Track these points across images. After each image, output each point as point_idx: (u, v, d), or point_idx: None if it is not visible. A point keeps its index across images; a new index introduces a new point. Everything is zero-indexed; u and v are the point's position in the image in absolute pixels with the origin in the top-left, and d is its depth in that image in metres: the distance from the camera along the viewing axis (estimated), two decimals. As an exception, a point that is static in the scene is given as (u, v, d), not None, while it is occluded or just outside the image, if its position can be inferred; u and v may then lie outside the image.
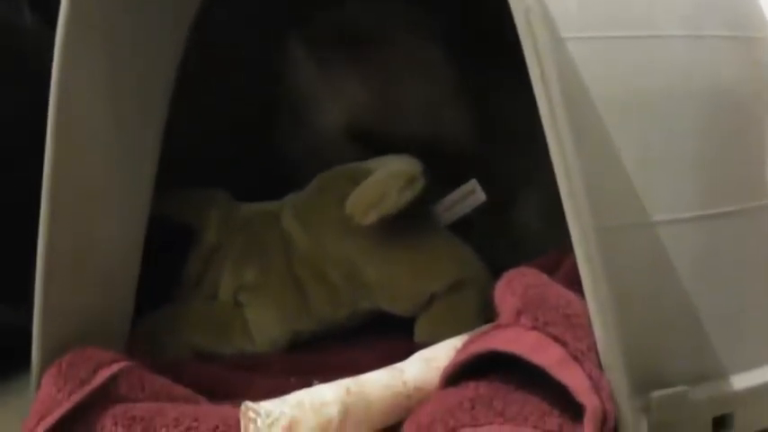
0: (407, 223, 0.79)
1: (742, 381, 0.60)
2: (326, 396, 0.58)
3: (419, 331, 0.79)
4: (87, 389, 0.60)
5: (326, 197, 0.82)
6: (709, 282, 0.60)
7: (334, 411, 0.58)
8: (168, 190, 0.76)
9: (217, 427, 0.58)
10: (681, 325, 0.59)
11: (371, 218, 0.77)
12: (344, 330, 0.82)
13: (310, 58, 0.89)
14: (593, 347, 0.54)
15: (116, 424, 0.58)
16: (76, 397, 0.59)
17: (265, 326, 0.80)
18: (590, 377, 0.53)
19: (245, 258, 0.82)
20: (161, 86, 0.75)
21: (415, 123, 0.87)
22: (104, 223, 0.69)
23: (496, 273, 0.65)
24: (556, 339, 0.54)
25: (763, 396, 0.61)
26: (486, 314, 0.74)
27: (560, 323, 0.55)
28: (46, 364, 0.63)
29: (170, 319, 0.79)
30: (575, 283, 0.56)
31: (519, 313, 0.56)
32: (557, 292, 0.58)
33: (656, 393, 0.55)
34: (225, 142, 0.88)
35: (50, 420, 0.58)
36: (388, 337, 0.79)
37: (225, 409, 0.60)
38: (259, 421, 0.56)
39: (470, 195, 0.83)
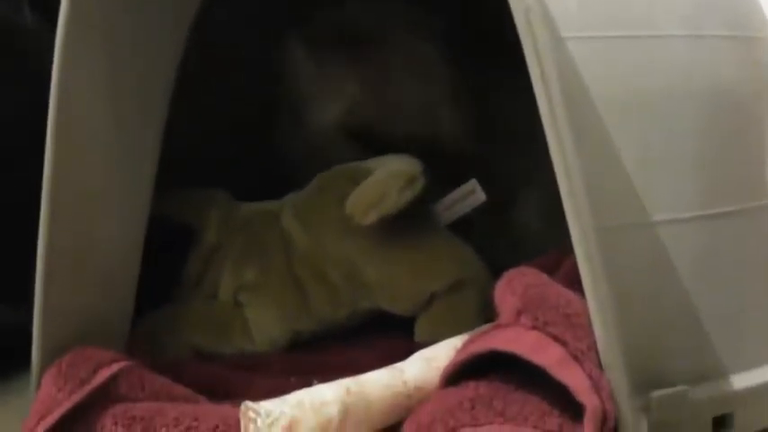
0: (407, 223, 0.79)
1: (742, 380, 0.60)
2: (326, 396, 0.58)
3: (419, 331, 0.79)
4: (87, 388, 0.60)
5: (326, 197, 0.82)
6: (710, 282, 0.60)
7: (334, 411, 0.58)
8: (168, 190, 0.76)
9: (217, 426, 0.58)
10: (681, 325, 0.59)
11: (371, 218, 0.77)
12: (344, 330, 0.82)
13: (310, 58, 0.89)
14: (593, 347, 0.54)
15: (116, 424, 0.58)
16: (77, 397, 0.59)
17: (265, 326, 0.80)
18: (590, 377, 0.53)
19: (245, 258, 0.82)
20: (161, 86, 0.75)
21: (415, 123, 0.87)
22: (104, 223, 0.69)
23: (496, 272, 0.65)
24: (556, 339, 0.54)
25: (763, 396, 0.61)
26: (487, 314, 0.74)
27: (560, 323, 0.55)
28: (46, 363, 0.63)
29: (170, 319, 0.79)
30: (575, 283, 0.56)
31: (519, 313, 0.56)
32: (557, 291, 0.58)
33: (656, 393, 0.55)
34: (225, 142, 0.88)
35: (50, 420, 0.58)
36: (388, 337, 0.79)
37: (225, 408, 0.60)
38: (259, 421, 0.56)
39: (470, 195, 0.83)
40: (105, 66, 0.67)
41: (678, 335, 0.59)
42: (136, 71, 0.71)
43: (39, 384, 0.62)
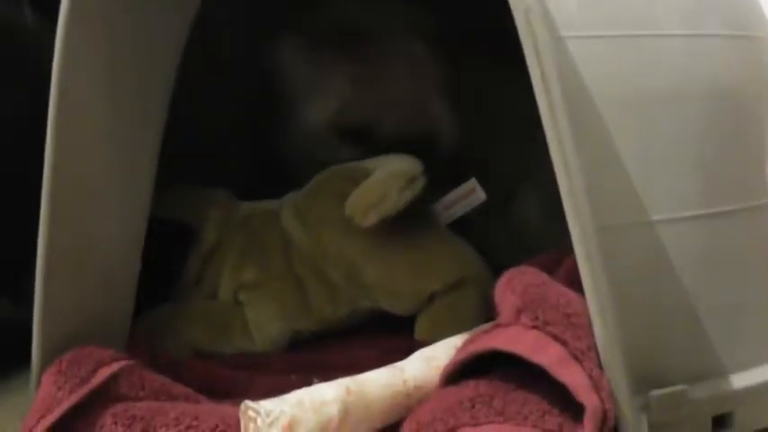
0: (407, 223, 0.79)
1: (742, 380, 0.60)
2: (326, 395, 0.58)
3: (419, 329, 0.79)
4: (87, 387, 0.60)
5: (326, 196, 0.82)
6: (709, 281, 0.60)
7: (334, 410, 0.58)
8: (168, 189, 0.76)
9: (217, 426, 0.58)
10: (681, 324, 0.59)
11: (371, 219, 0.77)
12: (344, 329, 0.82)
13: (301, 58, 0.89)
14: (592, 347, 0.54)
15: (116, 423, 0.58)
16: (76, 396, 0.59)
17: (265, 325, 0.80)
18: (590, 376, 0.53)
19: (245, 257, 0.82)
20: (161, 86, 0.75)
21: (409, 122, 0.87)
22: (104, 223, 0.69)
23: (497, 271, 0.65)
24: (556, 338, 0.54)
25: (762, 395, 0.61)
26: (487, 313, 0.74)
27: (560, 322, 0.55)
28: (46, 362, 0.63)
29: (170, 319, 0.79)
30: (575, 283, 0.56)
31: (519, 312, 0.56)
32: (557, 291, 0.58)
33: (656, 392, 0.55)
34: (225, 142, 0.88)
35: (50, 419, 0.58)
36: (389, 336, 0.79)
37: (225, 408, 0.60)
38: (259, 420, 0.56)
39: (470, 194, 0.83)
40: (105, 66, 0.67)
41: (678, 334, 0.59)
42: (136, 71, 0.71)
43: (39, 383, 0.62)
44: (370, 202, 0.77)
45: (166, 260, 0.81)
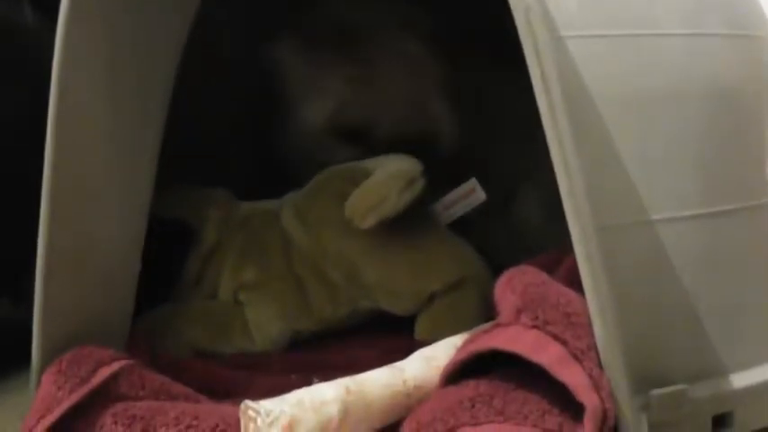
0: (407, 223, 0.79)
1: (742, 379, 0.60)
2: (326, 395, 0.58)
3: (420, 329, 0.79)
4: (87, 387, 0.60)
5: (325, 197, 0.82)
6: (710, 280, 0.60)
7: (334, 410, 0.58)
8: (168, 189, 0.76)
9: (217, 425, 0.58)
10: (681, 323, 0.59)
11: (370, 221, 0.76)
12: (345, 329, 0.82)
13: (298, 58, 0.89)
14: (592, 346, 0.54)
15: (116, 422, 0.58)
16: (77, 395, 0.59)
17: (265, 325, 0.80)
18: (590, 376, 0.53)
19: (245, 257, 0.82)
20: (161, 86, 0.75)
21: (406, 122, 0.87)
22: (104, 223, 0.69)
23: (497, 271, 0.65)
24: (556, 338, 0.54)
25: (762, 394, 0.61)
26: (487, 312, 0.74)
27: (560, 322, 0.55)
28: (46, 362, 0.63)
29: (170, 318, 0.79)
30: (575, 282, 0.56)
31: (519, 312, 0.56)
32: (557, 290, 0.58)
33: (656, 392, 0.55)
34: (225, 142, 0.88)
35: (50, 419, 0.58)
36: (389, 336, 0.79)
37: (225, 407, 0.60)
38: (259, 420, 0.56)
39: (470, 194, 0.83)
40: (105, 66, 0.67)
41: (678, 334, 0.59)
42: (136, 71, 0.71)
43: (39, 383, 0.62)
44: (369, 204, 0.77)
45: (166, 260, 0.81)
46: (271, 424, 0.56)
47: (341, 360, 0.75)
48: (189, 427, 0.58)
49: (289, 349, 0.80)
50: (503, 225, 0.87)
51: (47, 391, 0.60)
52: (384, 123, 0.86)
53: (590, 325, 0.54)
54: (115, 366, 0.61)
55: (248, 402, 0.57)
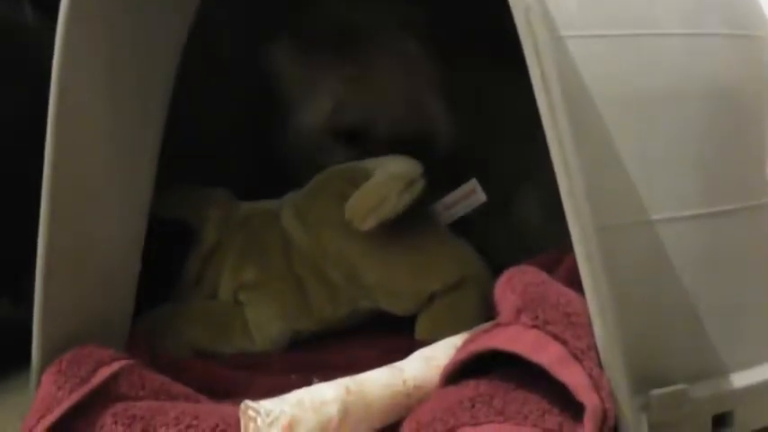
0: (407, 224, 0.79)
1: (742, 379, 0.60)
2: (326, 395, 0.58)
3: (420, 329, 0.79)
4: (87, 387, 0.60)
5: (326, 197, 0.82)
6: (710, 280, 0.60)
7: (333, 410, 0.58)
8: (168, 189, 0.76)
9: (217, 425, 0.58)
10: (681, 323, 0.59)
11: (370, 223, 0.76)
12: (345, 329, 0.82)
13: (295, 59, 0.89)
14: (592, 346, 0.54)
15: (116, 422, 0.58)
16: (77, 395, 0.59)
17: (265, 325, 0.80)
18: (590, 376, 0.53)
19: (245, 257, 0.82)
20: (161, 86, 0.75)
21: (404, 122, 0.87)
22: (104, 223, 0.69)
23: (497, 271, 0.65)
24: (556, 338, 0.54)
25: (762, 394, 0.61)
26: (487, 312, 0.74)
27: (560, 322, 0.55)
28: (46, 362, 0.63)
29: (170, 319, 0.79)
30: (575, 282, 0.56)
31: (519, 311, 0.56)
32: (557, 290, 0.58)
33: (656, 392, 0.55)
34: (225, 142, 0.88)
35: (50, 419, 0.58)
36: (389, 336, 0.79)
37: (225, 407, 0.60)
38: (259, 420, 0.56)
39: (471, 195, 0.83)
40: (105, 66, 0.67)
41: (678, 333, 0.59)
42: (136, 71, 0.71)
43: (39, 383, 0.62)
44: (369, 205, 0.77)
45: (166, 260, 0.81)
46: (271, 424, 0.56)
47: (341, 360, 0.75)
48: (189, 426, 0.58)
49: (289, 349, 0.80)
50: (503, 225, 0.87)
51: (47, 391, 0.60)
52: (381, 123, 0.86)
53: (590, 325, 0.54)
54: (115, 366, 0.61)
55: (248, 402, 0.57)
